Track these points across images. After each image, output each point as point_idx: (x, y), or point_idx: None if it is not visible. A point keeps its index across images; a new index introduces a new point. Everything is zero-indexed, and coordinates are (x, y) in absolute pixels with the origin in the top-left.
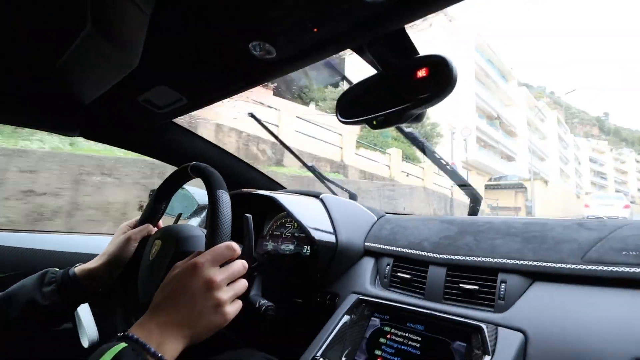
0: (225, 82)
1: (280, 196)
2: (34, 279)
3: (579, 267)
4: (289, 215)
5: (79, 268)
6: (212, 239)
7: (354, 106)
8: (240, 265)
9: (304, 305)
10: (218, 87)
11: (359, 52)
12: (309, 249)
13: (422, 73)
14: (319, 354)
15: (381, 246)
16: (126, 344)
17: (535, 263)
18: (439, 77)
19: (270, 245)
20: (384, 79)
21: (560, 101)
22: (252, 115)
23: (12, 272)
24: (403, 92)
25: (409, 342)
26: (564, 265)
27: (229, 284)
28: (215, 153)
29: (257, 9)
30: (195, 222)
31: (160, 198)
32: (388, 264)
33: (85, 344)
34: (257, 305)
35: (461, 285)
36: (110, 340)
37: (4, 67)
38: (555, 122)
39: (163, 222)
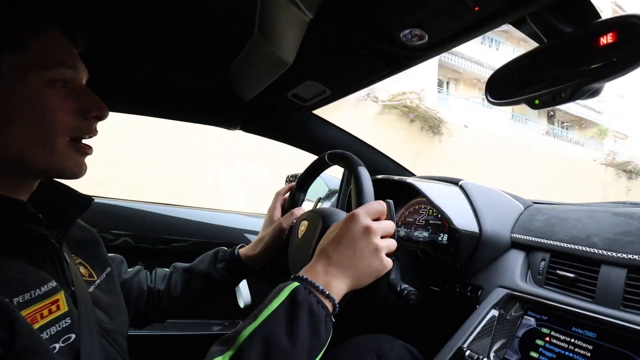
0: (370, 72)
1: (419, 183)
2: (209, 256)
3: None
4: (429, 202)
5: (241, 251)
6: (360, 203)
7: (509, 85)
8: (390, 223)
9: (441, 295)
10: (363, 77)
11: (518, 24)
12: (445, 237)
13: (607, 39)
14: (465, 345)
15: (534, 239)
16: (298, 283)
17: None
18: (634, 41)
19: (402, 232)
20: (550, 51)
21: None
22: None
23: (191, 240)
24: (579, 63)
25: (576, 350)
26: None
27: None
28: (350, 141)
29: None
30: (327, 205)
31: (300, 187)
32: (543, 259)
33: (241, 305)
34: (398, 289)
35: None
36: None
37: (183, 74)
38: None
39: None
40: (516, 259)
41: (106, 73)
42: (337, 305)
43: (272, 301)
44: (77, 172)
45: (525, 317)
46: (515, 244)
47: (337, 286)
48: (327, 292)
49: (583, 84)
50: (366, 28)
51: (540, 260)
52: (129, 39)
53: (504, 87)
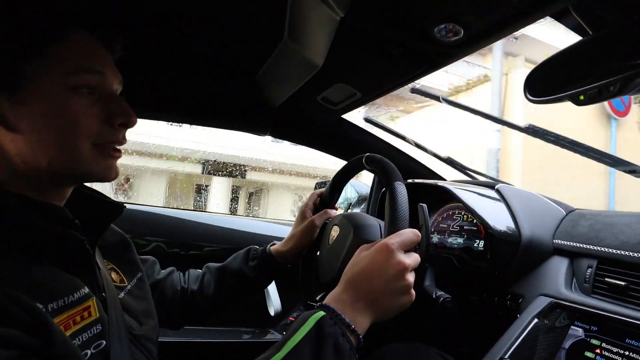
0: (402, 72)
1: (453, 187)
2: (241, 254)
3: None
4: (464, 206)
5: (273, 248)
6: (393, 228)
7: (551, 81)
8: (418, 257)
9: (478, 304)
10: (394, 78)
11: (559, 17)
12: (481, 243)
13: None
14: (507, 355)
15: (578, 245)
16: (325, 313)
17: None
18: None
19: (435, 238)
20: (596, 43)
21: None
22: (369, 120)
23: (220, 245)
24: (629, 55)
25: None
26: None
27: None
28: (381, 145)
29: None
30: (357, 211)
31: (335, 187)
32: (590, 267)
33: (271, 312)
34: (433, 296)
35: None
36: (310, 309)
37: (213, 80)
38: None
39: None
40: (559, 266)
41: (136, 80)
42: (362, 340)
43: (297, 330)
44: (107, 175)
45: (572, 327)
46: (558, 251)
47: (363, 321)
48: (352, 327)
49: (633, 78)
50: (398, 25)
51: (586, 267)
52: (160, 46)
53: (546, 83)
